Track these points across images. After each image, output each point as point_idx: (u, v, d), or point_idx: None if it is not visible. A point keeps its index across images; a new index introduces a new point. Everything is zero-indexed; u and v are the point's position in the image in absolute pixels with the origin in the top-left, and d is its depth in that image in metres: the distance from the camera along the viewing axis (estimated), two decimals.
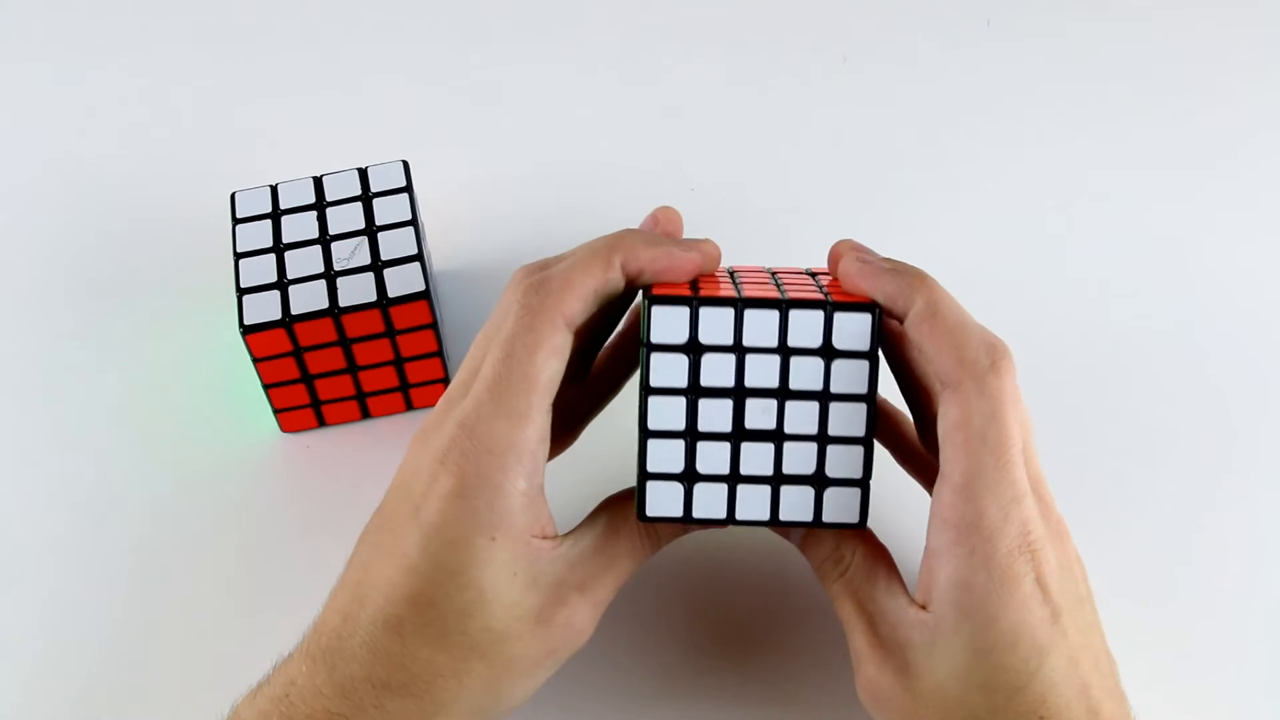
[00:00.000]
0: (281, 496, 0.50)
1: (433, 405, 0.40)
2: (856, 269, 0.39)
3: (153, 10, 0.69)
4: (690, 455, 0.38)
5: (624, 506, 0.40)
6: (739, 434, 0.38)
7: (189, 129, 0.64)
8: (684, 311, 0.37)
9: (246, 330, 0.47)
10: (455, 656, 0.37)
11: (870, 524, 0.41)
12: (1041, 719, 0.36)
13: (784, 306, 0.37)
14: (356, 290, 0.48)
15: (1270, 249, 0.57)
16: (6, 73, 0.67)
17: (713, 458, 0.38)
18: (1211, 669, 0.45)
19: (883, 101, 0.63)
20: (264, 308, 0.47)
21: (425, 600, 0.36)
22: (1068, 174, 0.60)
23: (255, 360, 0.48)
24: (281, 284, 0.48)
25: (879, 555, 0.40)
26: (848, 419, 0.38)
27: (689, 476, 0.38)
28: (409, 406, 0.52)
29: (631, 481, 0.39)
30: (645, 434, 0.38)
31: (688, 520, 0.39)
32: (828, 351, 0.38)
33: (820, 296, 0.38)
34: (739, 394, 0.38)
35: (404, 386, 0.51)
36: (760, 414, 0.38)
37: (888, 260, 0.39)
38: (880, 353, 0.38)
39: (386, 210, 0.50)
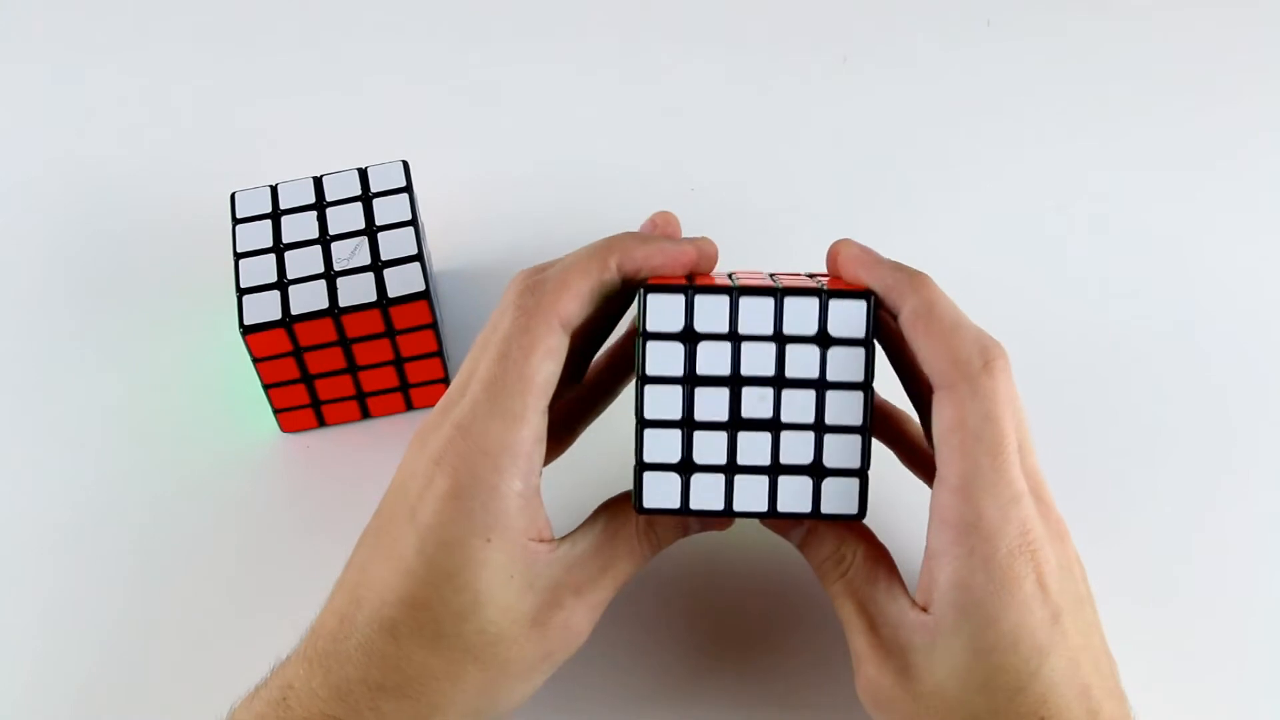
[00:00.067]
0: (281, 496, 0.50)
1: (433, 405, 0.40)
2: (858, 255, 0.39)
3: (153, 10, 0.69)
4: (687, 445, 0.38)
5: (623, 509, 0.40)
6: (736, 423, 0.38)
7: (189, 129, 0.64)
8: (679, 300, 0.38)
9: (246, 330, 0.47)
10: (450, 659, 0.37)
11: (871, 524, 0.41)
12: (1042, 719, 0.36)
13: (779, 294, 0.38)
14: (356, 290, 0.48)
15: (1270, 249, 0.57)
16: (6, 73, 0.67)
17: (710, 448, 0.38)
18: (1211, 669, 0.45)
19: (883, 101, 0.63)
20: (264, 308, 0.47)
21: (420, 602, 0.36)
22: (1068, 174, 0.60)
23: (255, 360, 0.48)
24: (281, 284, 0.48)
25: (880, 556, 0.40)
26: (845, 408, 0.38)
27: (686, 467, 0.38)
28: (409, 406, 0.52)
29: (630, 485, 0.39)
30: (642, 424, 0.38)
31: (685, 512, 0.39)
32: (823, 339, 0.38)
33: (816, 286, 0.38)
34: (735, 382, 0.38)
35: (404, 386, 0.51)
36: (757, 403, 0.38)
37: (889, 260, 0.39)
38: (878, 343, 0.38)
39: (386, 210, 0.50)
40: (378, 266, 0.49)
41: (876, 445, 0.40)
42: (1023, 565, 0.36)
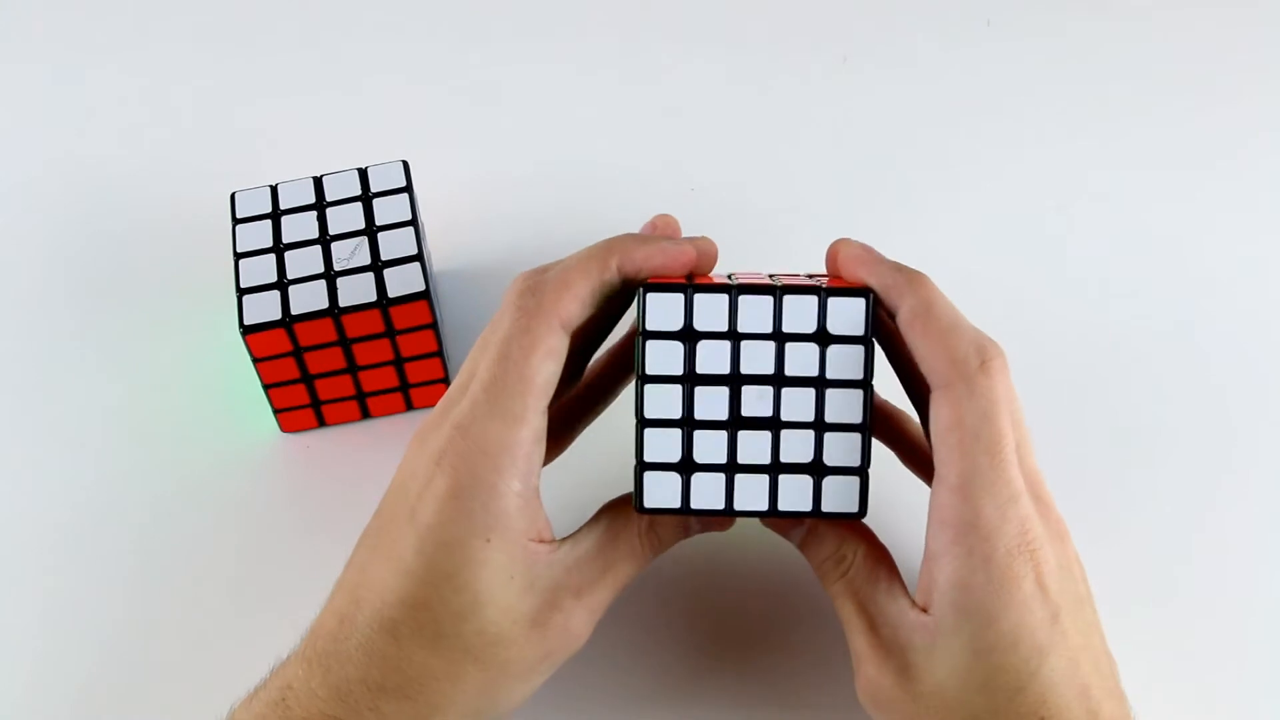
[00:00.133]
0: (281, 496, 0.50)
1: (433, 405, 0.40)
2: (858, 253, 0.39)
3: (153, 10, 0.69)
4: (687, 444, 0.38)
5: (624, 510, 0.40)
6: (736, 422, 0.38)
7: (189, 129, 0.64)
8: (678, 298, 0.38)
9: (246, 330, 0.47)
10: (449, 660, 0.37)
11: (871, 524, 0.41)
12: (1042, 718, 0.36)
13: (778, 292, 0.38)
14: (356, 290, 0.48)
15: (1270, 249, 0.57)
16: (6, 73, 0.67)
17: (710, 447, 0.38)
18: (1211, 669, 0.45)
19: (883, 101, 0.63)
20: (264, 308, 0.47)
21: (420, 603, 0.36)
22: (1068, 174, 0.60)
23: (255, 360, 0.48)
24: (281, 284, 0.48)
25: (880, 556, 0.40)
26: (845, 406, 0.38)
27: (686, 466, 0.38)
28: (409, 406, 0.52)
29: (630, 485, 0.39)
30: (642, 423, 0.38)
31: (686, 511, 0.39)
32: (823, 337, 0.38)
33: (815, 284, 0.38)
34: (735, 381, 0.38)
35: (404, 386, 0.51)
36: (756, 401, 0.38)
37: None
38: (877, 341, 0.38)
39: (386, 210, 0.50)
40: (378, 266, 0.49)
41: (877, 445, 0.40)
42: (1022, 565, 0.36)
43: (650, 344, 0.38)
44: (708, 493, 0.38)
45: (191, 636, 0.46)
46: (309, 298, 0.48)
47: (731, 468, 0.38)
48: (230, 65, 0.66)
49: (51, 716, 0.45)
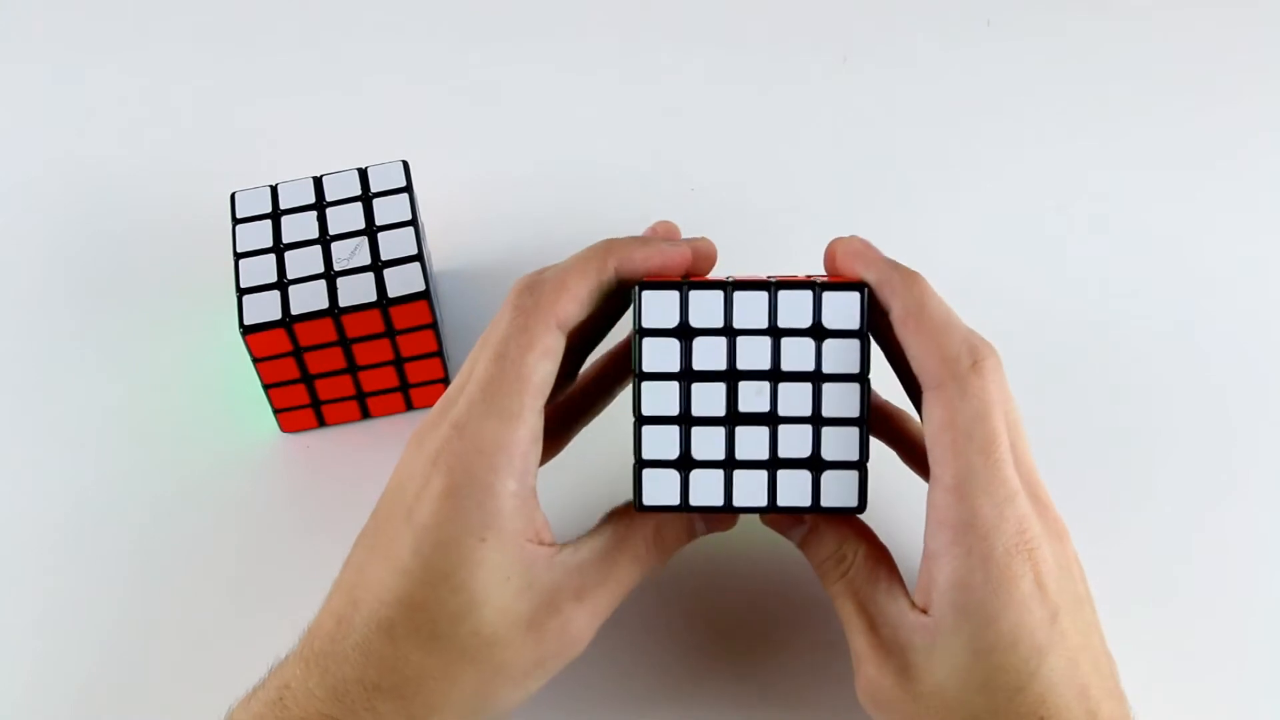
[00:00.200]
0: (281, 496, 0.50)
1: (433, 405, 0.40)
2: (858, 248, 0.39)
3: (153, 10, 0.69)
4: (685, 441, 0.38)
5: (631, 515, 0.40)
6: (733, 418, 0.38)
7: (189, 129, 0.64)
8: (674, 295, 0.38)
9: (246, 330, 0.47)
10: (445, 660, 0.36)
11: (871, 523, 0.41)
12: (1041, 718, 0.36)
13: (773, 287, 0.38)
14: (356, 290, 0.48)
15: (1270, 249, 0.57)
16: (6, 73, 0.67)
17: (708, 443, 0.38)
18: (1211, 669, 0.45)
19: (883, 101, 0.63)
20: (264, 308, 0.47)
21: (417, 602, 0.36)
22: (1068, 174, 0.60)
23: (255, 360, 0.48)
24: (281, 284, 0.48)
25: (881, 556, 0.40)
26: (842, 400, 0.38)
27: (685, 463, 0.38)
28: (409, 406, 0.52)
29: (629, 484, 0.39)
30: (639, 421, 0.38)
31: (685, 508, 0.39)
32: (818, 331, 0.38)
33: (810, 279, 0.38)
34: (731, 377, 0.38)
35: (404, 386, 0.51)
36: (754, 397, 0.38)
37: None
38: (874, 335, 0.38)
39: (386, 210, 0.50)
40: (378, 266, 0.49)
41: (877, 444, 0.40)
42: (1020, 564, 0.36)
43: (646, 341, 0.38)
44: (707, 489, 0.38)
45: (191, 636, 0.46)
46: (309, 298, 0.48)
47: (730, 464, 0.38)
48: (230, 65, 0.66)
49: (51, 716, 0.45)
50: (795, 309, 0.38)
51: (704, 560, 0.47)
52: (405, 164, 0.52)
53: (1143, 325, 0.54)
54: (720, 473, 0.38)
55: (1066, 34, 0.66)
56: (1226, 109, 0.62)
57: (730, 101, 0.64)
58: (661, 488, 0.38)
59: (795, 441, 0.38)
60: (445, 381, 0.52)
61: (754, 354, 0.38)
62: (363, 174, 0.52)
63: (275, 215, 0.50)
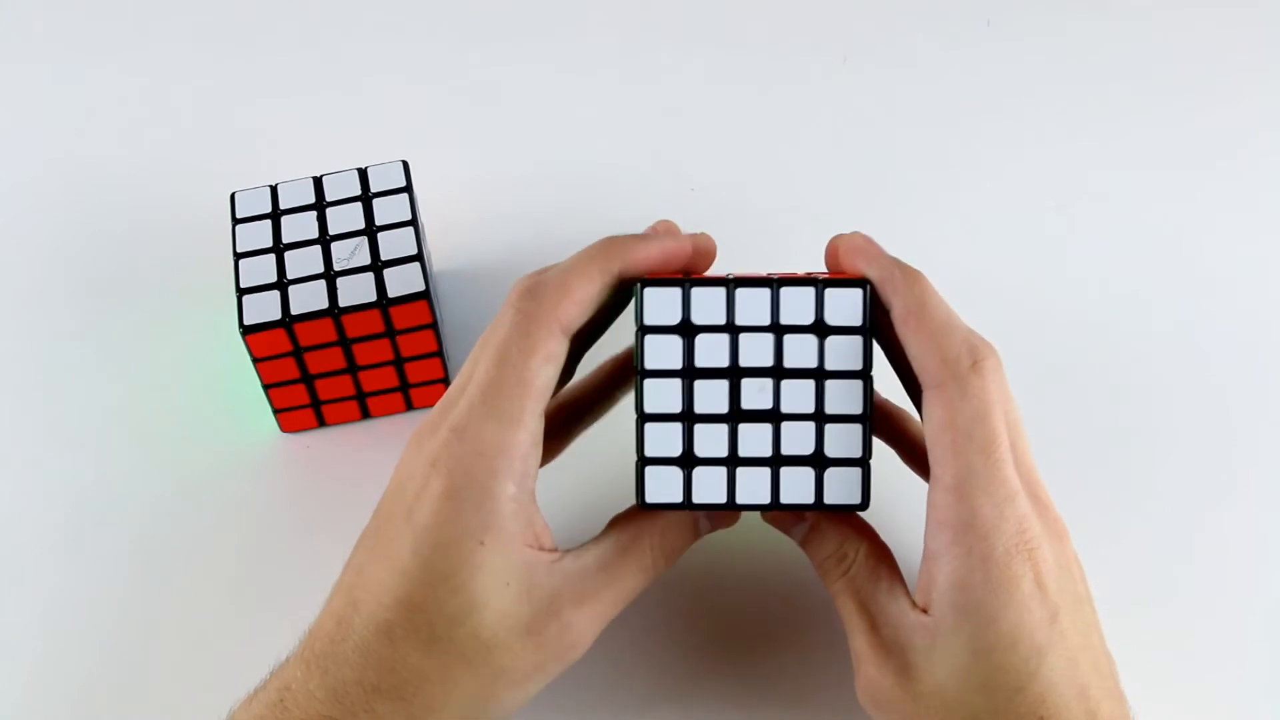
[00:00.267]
0: (281, 496, 0.50)
1: (433, 405, 0.40)
2: (861, 245, 0.39)
3: (153, 10, 0.69)
4: (688, 438, 0.38)
5: (635, 522, 0.40)
6: (736, 415, 0.38)
7: (189, 129, 0.64)
8: (676, 293, 0.38)
9: (246, 330, 0.47)
10: (443, 663, 0.36)
11: (873, 522, 0.41)
12: (1041, 718, 0.36)
13: (775, 284, 0.38)
14: (356, 290, 0.48)
15: (1270, 249, 0.57)
16: (6, 73, 0.67)
17: (711, 440, 0.38)
18: (1211, 669, 0.45)
19: (883, 101, 0.63)
20: (264, 308, 0.47)
21: (416, 604, 0.36)
22: (1068, 174, 0.60)
23: (255, 360, 0.48)
24: (281, 284, 0.48)
25: (882, 556, 0.40)
26: (845, 397, 0.38)
27: (688, 461, 0.38)
28: (409, 406, 0.52)
29: (632, 482, 0.39)
30: (642, 418, 0.38)
31: (688, 506, 0.39)
32: (820, 328, 0.38)
33: (812, 276, 0.38)
34: (734, 374, 0.38)
35: (404, 386, 0.51)
36: (756, 394, 0.38)
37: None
38: (876, 332, 0.38)
39: (386, 210, 0.50)
40: (378, 266, 0.49)
41: (878, 444, 0.40)
42: (1020, 564, 0.36)
43: (649, 339, 0.38)
44: (710, 487, 0.38)
45: (191, 637, 0.46)
46: (309, 298, 0.48)
47: (733, 461, 0.38)
48: (230, 65, 0.66)
49: (51, 716, 0.45)
50: (798, 305, 0.38)
51: (704, 560, 0.47)
52: (405, 164, 0.52)
53: (1143, 325, 0.54)
54: (723, 470, 0.38)
55: (1066, 34, 0.66)
56: (1226, 109, 0.62)
57: (730, 101, 0.64)
58: (664, 485, 0.38)
59: (798, 438, 0.38)
60: (445, 381, 0.52)
61: (756, 351, 0.38)
62: (363, 174, 0.52)
63: (275, 215, 0.50)
